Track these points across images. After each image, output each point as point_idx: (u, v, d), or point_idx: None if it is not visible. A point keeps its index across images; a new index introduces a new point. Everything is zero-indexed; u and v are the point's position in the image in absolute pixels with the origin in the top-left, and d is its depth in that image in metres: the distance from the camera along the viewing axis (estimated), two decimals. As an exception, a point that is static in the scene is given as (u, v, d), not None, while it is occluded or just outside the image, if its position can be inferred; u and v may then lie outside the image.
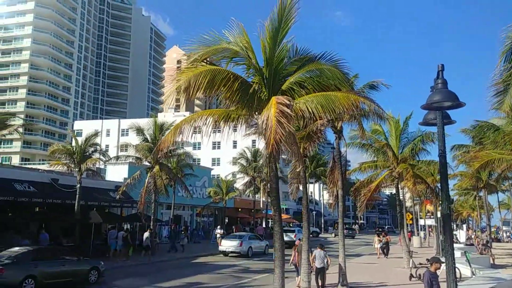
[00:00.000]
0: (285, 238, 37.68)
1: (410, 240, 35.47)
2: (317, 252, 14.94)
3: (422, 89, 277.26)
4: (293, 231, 39.07)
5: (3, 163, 74.77)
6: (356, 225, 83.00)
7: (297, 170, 16.59)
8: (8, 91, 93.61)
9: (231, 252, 29.21)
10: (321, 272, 14.83)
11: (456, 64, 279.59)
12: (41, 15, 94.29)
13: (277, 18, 9.01)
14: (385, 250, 30.19)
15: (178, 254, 29.63)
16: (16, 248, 15.85)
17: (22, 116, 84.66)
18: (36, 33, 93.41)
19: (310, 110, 8.83)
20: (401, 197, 30.26)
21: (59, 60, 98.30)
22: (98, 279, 17.03)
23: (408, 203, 57.53)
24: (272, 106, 8.00)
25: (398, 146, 24.87)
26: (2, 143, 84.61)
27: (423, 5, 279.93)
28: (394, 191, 31.09)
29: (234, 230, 37.91)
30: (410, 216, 42.96)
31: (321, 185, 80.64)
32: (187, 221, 46.48)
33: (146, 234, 27.18)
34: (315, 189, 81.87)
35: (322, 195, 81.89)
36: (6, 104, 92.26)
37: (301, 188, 16.89)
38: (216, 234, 36.62)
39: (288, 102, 8.05)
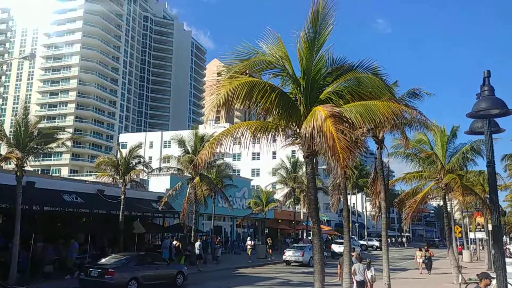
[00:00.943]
0: (338, 250, 37.78)
1: (460, 254, 33.80)
2: (357, 265, 14.50)
3: (468, 98, 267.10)
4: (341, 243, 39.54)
5: (54, 174, 78.39)
6: (404, 238, 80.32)
7: (337, 181, 16.29)
8: (58, 106, 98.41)
9: (294, 261, 31.93)
10: (361, 286, 14.38)
11: (504, 71, 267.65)
12: (88, 33, 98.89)
13: (311, 29, 8.95)
14: (427, 265, 28.71)
15: (212, 266, 29.44)
16: (119, 254, 19.30)
17: (71, 129, 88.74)
18: (84, 51, 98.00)
19: (349, 120, 8.67)
20: (448, 209, 28.99)
21: (105, 76, 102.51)
22: (183, 282, 19.75)
23: (457, 215, 55.08)
24: (321, 115, 7.90)
25: (445, 156, 23.90)
26: (53, 155, 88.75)
27: (467, 12, 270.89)
28: (441, 203, 29.82)
29: (267, 242, 37.55)
30: (459, 229, 40.99)
31: (364, 196, 78.92)
32: (227, 232, 46.70)
33: (198, 244, 28.03)
34: (357, 200, 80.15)
35: (365, 206, 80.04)
36: (57, 118, 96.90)
37: (342, 199, 16.55)
38: (246, 246, 36.29)
39: (337, 110, 7.97)
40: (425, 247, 30.31)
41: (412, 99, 15.67)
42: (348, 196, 24.82)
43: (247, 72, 9.52)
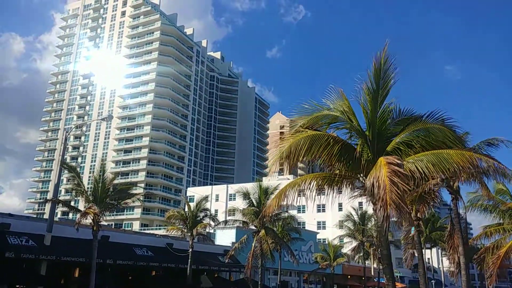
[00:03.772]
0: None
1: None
2: None
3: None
4: None
5: (126, 229, 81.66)
6: None
7: (410, 234, 15.42)
8: (131, 162, 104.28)
9: None
10: None
11: None
12: (160, 94, 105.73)
13: (374, 81, 9.01)
14: None
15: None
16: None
17: (143, 185, 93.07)
18: (155, 110, 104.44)
19: (420, 169, 8.39)
20: (538, 265, 26.14)
21: (175, 133, 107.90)
22: None
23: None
24: (382, 167, 7.79)
25: (529, 207, 21.94)
26: (126, 210, 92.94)
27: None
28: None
29: None
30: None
31: (439, 250, 73.45)
32: (294, 288, 45.22)
33: None
34: (432, 255, 74.70)
35: (441, 261, 74.26)
36: (130, 174, 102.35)
37: (416, 254, 15.55)
38: None
39: (398, 162, 7.80)
40: None
41: (488, 147, 14.82)
42: (422, 251, 23.33)
43: (311, 126, 9.64)
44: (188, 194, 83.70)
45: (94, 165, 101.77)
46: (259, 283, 29.92)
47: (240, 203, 35.05)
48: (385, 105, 9.33)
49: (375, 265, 50.33)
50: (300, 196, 10.02)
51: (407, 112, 9.62)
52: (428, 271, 58.26)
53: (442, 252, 65.64)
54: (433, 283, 68.11)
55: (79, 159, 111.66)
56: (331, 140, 9.07)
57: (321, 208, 71.14)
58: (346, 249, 48.79)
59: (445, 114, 9.33)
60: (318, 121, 9.37)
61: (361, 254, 45.96)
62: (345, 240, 49.03)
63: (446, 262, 66.40)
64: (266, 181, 49.19)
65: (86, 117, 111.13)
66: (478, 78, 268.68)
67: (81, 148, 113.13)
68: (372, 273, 51.41)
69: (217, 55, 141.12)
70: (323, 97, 9.45)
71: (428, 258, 68.81)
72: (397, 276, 56.18)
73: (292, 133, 9.29)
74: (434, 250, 73.97)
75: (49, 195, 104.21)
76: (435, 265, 79.82)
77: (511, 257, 25.89)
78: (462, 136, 13.22)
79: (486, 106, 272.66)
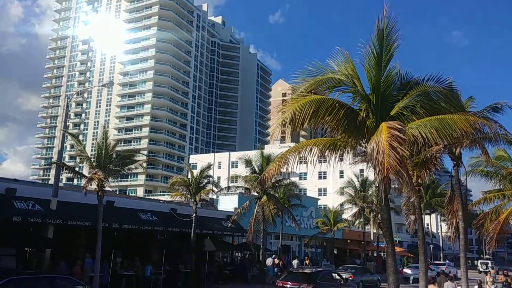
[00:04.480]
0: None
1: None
2: (446, 284, 14.79)
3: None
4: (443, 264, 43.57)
5: (130, 194, 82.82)
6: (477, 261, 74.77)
7: (411, 200, 15.64)
8: (134, 130, 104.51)
9: None
10: None
11: None
12: (160, 60, 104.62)
13: (377, 44, 8.91)
14: None
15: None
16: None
17: (146, 152, 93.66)
18: (156, 77, 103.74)
19: (423, 135, 8.40)
20: (536, 230, 26.53)
21: (176, 100, 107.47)
22: None
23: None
24: (382, 132, 7.81)
25: (529, 173, 22.11)
26: (129, 176, 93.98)
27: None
28: (526, 224, 27.39)
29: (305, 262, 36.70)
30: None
31: (438, 216, 74.58)
32: (295, 251, 46.24)
33: (295, 262, 31.23)
34: (431, 221, 75.94)
35: (440, 226, 75.58)
36: (132, 141, 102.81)
37: (416, 219, 15.85)
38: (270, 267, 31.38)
39: (399, 127, 7.81)
40: (504, 271, 27.69)
41: (492, 113, 14.75)
42: (422, 216, 23.67)
43: (314, 91, 9.57)
44: (191, 161, 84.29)
45: (97, 132, 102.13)
46: (261, 246, 30.60)
47: (242, 171, 35.35)
48: (389, 70, 9.25)
49: (374, 230, 51.26)
50: (301, 164, 10.07)
51: (408, 76, 9.55)
52: (427, 236, 59.32)
53: (441, 217, 66.65)
54: (431, 247, 69.58)
55: (82, 126, 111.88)
56: (336, 104, 9.02)
57: (322, 176, 71.79)
58: (347, 215, 49.58)
59: (445, 77, 9.26)
60: (322, 84, 9.27)
61: (361, 220, 46.74)
62: (346, 206, 49.75)
63: (444, 228, 67.51)
64: (268, 149, 49.36)
65: (87, 84, 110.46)
66: (486, 44, 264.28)
67: (83, 115, 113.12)
68: (372, 238, 52.44)
69: (218, 20, 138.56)
70: (329, 59, 9.32)
71: (427, 224, 69.99)
72: (396, 241, 57.27)
73: (294, 97, 9.24)
74: (433, 216, 75.19)
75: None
76: (434, 230, 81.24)
77: (510, 223, 26.30)
78: (467, 101, 13.16)
79: (494, 74, 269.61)
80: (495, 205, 24.74)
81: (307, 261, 37.17)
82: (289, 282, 19.21)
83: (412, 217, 16.68)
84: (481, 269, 50.04)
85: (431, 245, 69.06)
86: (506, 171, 22.21)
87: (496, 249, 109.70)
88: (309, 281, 18.78)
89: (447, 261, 45.05)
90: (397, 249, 52.20)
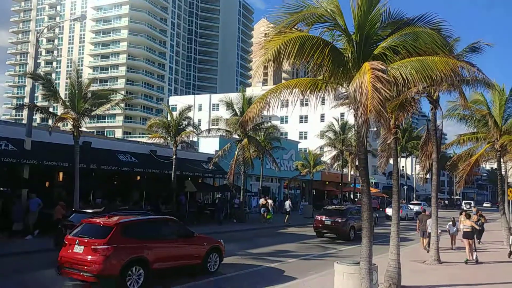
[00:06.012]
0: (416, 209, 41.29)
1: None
2: (428, 220, 18.80)
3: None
4: (419, 204, 45.71)
5: (108, 136, 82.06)
6: (446, 201, 79.97)
7: (388, 141, 15.82)
8: (109, 69, 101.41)
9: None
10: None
11: None
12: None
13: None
14: (480, 233, 25.79)
15: (264, 224, 29.94)
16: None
17: (123, 92, 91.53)
18: (132, 12, 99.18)
19: (404, 76, 8.27)
20: (503, 172, 27.61)
21: (154, 38, 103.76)
22: None
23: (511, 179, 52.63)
24: (365, 72, 7.63)
25: (502, 117, 22.71)
26: (107, 118, 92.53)
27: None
28: (495, 166, 28.54)
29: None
30: (513, 192, 39.09)
31: (413, 159, 76.87)
32: (275, 193, 47.40)
33: (287, 202, 33.40)
34: (406, 164, 78.31)
35: (415, 169, 78.20)
36: (108, 81, 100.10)
37: (391, 161, 16.15)
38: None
39: (382, 67, 7.62)
40: (478, 212, 28.98)
41: (472, 54, 14.64)
42: (398, 159, 24.15)
43: (296, 27, 9.21)
44: (170, 103, 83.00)
45: (71, 70, 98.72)
46: (242, 188, 31.16)
47: (223, 113, 35.06)
48: (377, 8, 8.91)
49: (352, 172, 52.63)
50: (283, 107, 9.90)
51: (398, 14, 9.22)
52: (401, 178, 61.33)
53: (416, 160, 68.73)
54: (405, 188, 72.35)
55: (54, 64, 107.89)
56: (321, 42, 8.72)
57: (303, 119, 72.17)
58: (326, 158, 50.54)
59: (437, 17, 9.00)
60: (304, 20, 8.89)
61: (340, 162, 47.77)
62: (326, 149, 50.58)
63: (418, 170, 69.81)
64: (250, 92, 48.83)
65: (58, 18, 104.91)
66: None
67: (55, 52, 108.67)
68: (349, 179, 53.97)
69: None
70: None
71: (403, 166, 72.14)
72: (372, 182, 59.17)
73: (275, 34, 8.86)
74: (408, 159, 77.45)
75: (26, 101, 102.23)
76: (408, 172, 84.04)
77: (480, 165, 27.27)
78: (452, 42, 12.96)
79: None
80: (469, 147, 25.55)
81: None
82: (325, 217, 23.59)
83: (385, 158, 16.93)
84: (465, 208, 53.58)
85: (405, 187, 71.75)
86: (479, 113, 22.66)
87: (465, 190, 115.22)
88: (342, 215, 23.31)
89: (423, 202, 48.23)
90: (373, 190, 54.04)
